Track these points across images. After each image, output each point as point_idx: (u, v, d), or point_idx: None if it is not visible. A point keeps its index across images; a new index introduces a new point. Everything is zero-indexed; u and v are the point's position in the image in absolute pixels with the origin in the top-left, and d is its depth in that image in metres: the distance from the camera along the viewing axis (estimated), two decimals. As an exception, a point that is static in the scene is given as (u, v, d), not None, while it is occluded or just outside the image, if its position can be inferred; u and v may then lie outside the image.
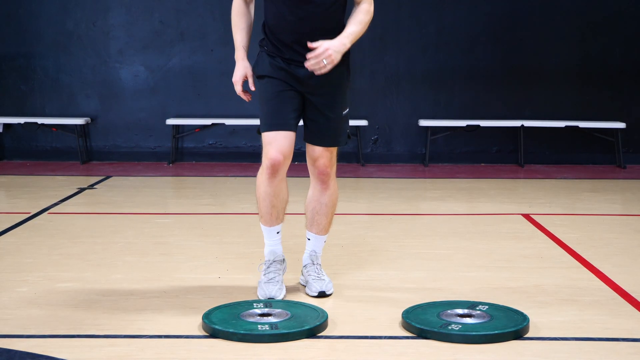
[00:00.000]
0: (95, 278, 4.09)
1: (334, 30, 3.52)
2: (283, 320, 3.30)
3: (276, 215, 3.72)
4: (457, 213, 6.01)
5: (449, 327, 3.21)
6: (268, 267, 3.76)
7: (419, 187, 7.32)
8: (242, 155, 8.70)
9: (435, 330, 3.19)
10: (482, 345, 3.12)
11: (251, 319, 3.32)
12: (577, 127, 8.42)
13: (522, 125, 8.40)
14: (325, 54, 3.39)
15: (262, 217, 3.74)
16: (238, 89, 3.67)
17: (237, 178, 7.69)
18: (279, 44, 3.57)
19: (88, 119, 8.61)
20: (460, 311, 3.41)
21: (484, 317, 3.35)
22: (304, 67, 3.49)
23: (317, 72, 3.44)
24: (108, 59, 8.68)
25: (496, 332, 3.19)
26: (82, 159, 8.53)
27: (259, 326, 3.23)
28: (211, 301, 3.64)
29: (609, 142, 8.51)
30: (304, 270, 3.86)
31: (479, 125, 8.44)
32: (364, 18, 3.54)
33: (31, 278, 4.08)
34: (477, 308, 3.45)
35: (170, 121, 8.51)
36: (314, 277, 3.80)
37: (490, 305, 3.51)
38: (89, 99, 8.71)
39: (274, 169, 3.58)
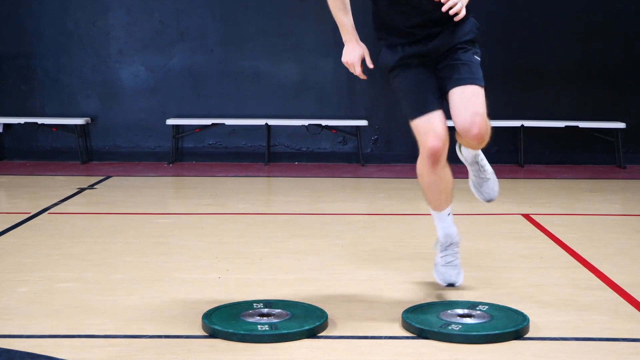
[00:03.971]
0: (95, 278, 4.09)
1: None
2: (283, 320, 3.30)
3: (445, 198, 3.72)
4: (457, 213, 6.00)
5: (449, 327, 3.21)
6: (445, 250, 3.77)
7: (419, 187, 7.30)
8: (242, 155, 8.71)
9: (435, 330, 3.19)
10: (482, 345, 3.12)
11: (251, 319, 3.32)
12: (577, 127, 8.42)
13: (522, 125, 8.40)
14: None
15: (431, 203, 3.73)
16: (358, 70, 3.53)
17: (237, 178, 7.69)
18: (397, 34, 3.53)
19: (88, 119, 8.61)
20: (460, 311, 3.41)
21: (484, 317, 3.35)
22: (427, 42, 3.48)
23: (457, 15, 3.31)
24: (108, 59, 8.68)
25: (496, 332, 3.19)
26: (82, 159, 8.53)
27: (259, 326, 3.23)
28: (211, 301, 3.63)
29: (609, 142, 8.51)
30: (469, 167, 4.03)
31: (479, 125, 8.43)
32: None
33: (31, 278, 4.08)
34: (477, 308, 3.45)
35: (170, 121, 8.51)
36: (477, 180, 4.04)
37: (490, 305, 3.51)
38: (89, 99, 8.71)
39: (435, 157, 3.52)
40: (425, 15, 3.48)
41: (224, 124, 8.57)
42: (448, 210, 3.78)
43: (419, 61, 3.56)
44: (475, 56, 3.57)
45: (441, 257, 3.78)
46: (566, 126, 8.41)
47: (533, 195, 6.74)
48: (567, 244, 4.86)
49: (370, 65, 3.59)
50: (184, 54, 8.67)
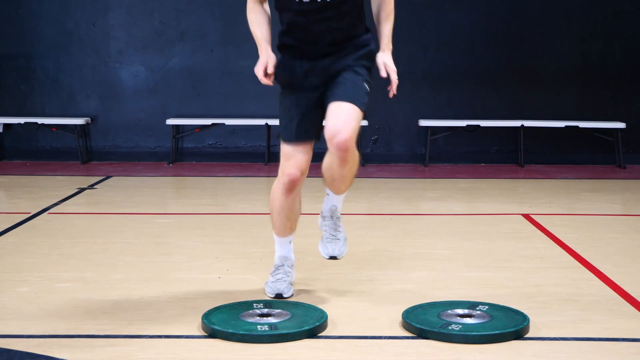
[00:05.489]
0: (95, 278, 4.09)
1: (353, 24, 3.53)
2: (283, 321, 3.30)
3: (290, 226, 3.75)
4: (457, 213, 6.01)
5: (449, 327, 3.21)
6: (277, 270, 3.79)
7: (419, 187, 7.32)
8: (242, 155, 8.71)
9: (436, 330, 3.19)
10: (482, 346, 3.12)
11: (251, 320, 3.32)
12: (577, 127, 8.42)
13: (522, 125, 8.40)
14: (393, 74, 3.53)
15: (276, 228, 3.76)
16: (260, 74, 3.53)
17: (237, 178, 7.69)
18: (299, 47, 3.55)
19: (88, 119, 8.61)
20: (460, 311, 3.41)
21: (484, 317, 3.35)
22: (326, 58, 3.51)
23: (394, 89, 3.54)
24: (108, 59, 8.68)
25: (496, 332, 3.19)
26: (82, 159, 8.53)
27: (259, 326, 3.23)
28: (211, 301, 3.64)
29: (609, 142, 8.51)
30: (321, 222, 3.88)
31: (479, 125, 8.44)
32: (389, 10, 3.64)
33: (31, 278, 4.08)
34: (477, 308, 3.45)
35: (170, 121, 8.51)
36: (328, 237, 3.84)
37: (490, 305, 3.51)
38: (89, 99, 8.71)
39: (290, 185, 3.58)
40: (324, 31, 3.49)
41: (224, 124, 8.57)
42: (290, 238, 3.80)
43: (310, 83, 3.56)
44: (364, 83, 3.57)
45: (272, 275, 3.78)
46: (566, 126, 8.41)
47: (533, 195, 6.74)
48: (567, 244, 4.86)
49: (270, 71, 3.54)
50: (184, 54, 8.67)
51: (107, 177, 7.56)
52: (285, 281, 3.74)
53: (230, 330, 3.17)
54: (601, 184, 7.51)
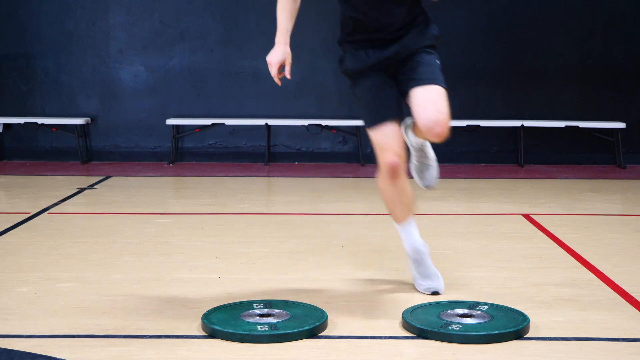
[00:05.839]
0: (95, 278, 4.09)
1: (411, 7, 3.61)
2: (283, 321, 3.30)
3: (407, 210, 3.73)
4: (457, 213, 6.01)
5: (449, 327, 3.21)
6: (419, 264, 3.77)
7: (419, 187, 7.31)
8: (242, 155, 8.71)
9: (436, 330, 3.19)
10: (482, 346, 3.12)
11: (251, 320, 3.32)
12: (577, 127, 8.42)
13: (522, 125, 8.41)
14: None
15: (394, 215, 3.75)
16: (274, 71, 3.59)
17: (237, 178, 7.69)
18: (363, 36, 3.58)
19: (88, 119, 8.61)
20: (460, 311, 3.41)
21: (484, 317, 3.35)
22: (389, 46, 3.54)
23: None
24: (108, 59, 8.68)
25: (496, 332, 3.18)
26: (82, 159, 8.53)
27: (259, 327, 3.23)
28: (211, 301, 3.64)
29: (609, 142, 8.51)
30: (410, 148, 3.89)
31: (479, 125, 8.44)
32: None
33: (31, 278, 4.08)
34: (477, 308, 3.45)
35: (170, 121, 8.51)
36: (418, 165, 3.92)
37: (491, 305, 3.51)
38: (89, 99, 8.71)
39: (394, 173, 3.57)
40: (387, 19, 3.53)
41: (224, 124, 8.57)
42: (411, 220, 3.78)
43: (380, 68, 3.59)
44: (437, 60, 3.61)
45: (417, 272, 3.79)
46: (566, 126, 8.41)
47: (533, 195, 6.74)
48: (567, 244, 4.86)
49: (288, 76, 3.65)
50: (184, 54, 8.67)
51: (107, 177, 7.56)
52: (434, 275, 3.74)
53: (230, 330, 3.17)
54: (601, 184, 7.51)
